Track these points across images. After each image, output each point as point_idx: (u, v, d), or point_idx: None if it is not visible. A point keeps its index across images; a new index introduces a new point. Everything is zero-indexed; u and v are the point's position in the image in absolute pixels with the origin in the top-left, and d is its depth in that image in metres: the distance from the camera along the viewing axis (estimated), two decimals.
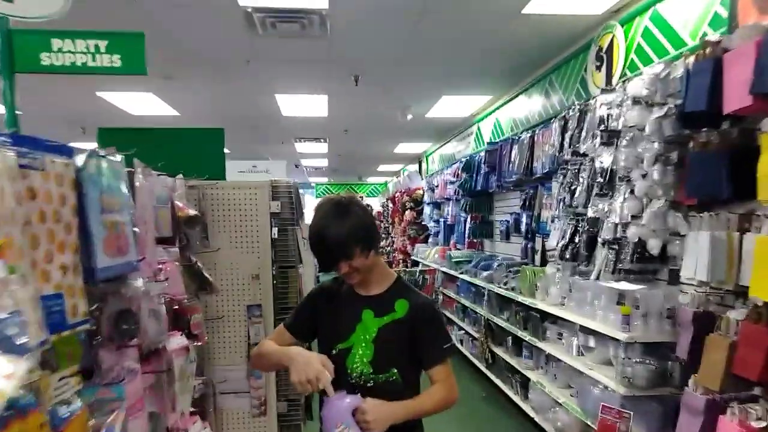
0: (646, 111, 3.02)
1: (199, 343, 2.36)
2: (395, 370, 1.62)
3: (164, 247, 2.00)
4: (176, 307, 2.06)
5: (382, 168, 14.17)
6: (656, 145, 2.95)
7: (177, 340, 1.97)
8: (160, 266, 1.93)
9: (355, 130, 8.48)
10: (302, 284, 2.96)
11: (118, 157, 1.41)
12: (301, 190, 3.46)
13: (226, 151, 9.79)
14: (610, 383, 3.11)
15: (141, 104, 6.27)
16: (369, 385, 1.61)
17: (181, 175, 2.31)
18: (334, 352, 1.65)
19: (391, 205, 13.14)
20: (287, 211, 2.94)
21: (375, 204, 17.21)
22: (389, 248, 13.39)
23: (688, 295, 2.79)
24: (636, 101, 3.09)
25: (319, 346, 1.78)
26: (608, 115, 3.37)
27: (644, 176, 3.05)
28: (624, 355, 3.02)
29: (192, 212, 2.35)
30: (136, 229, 1.55)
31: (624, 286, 3.13)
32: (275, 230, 2.86)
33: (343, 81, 5.48)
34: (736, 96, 2.41)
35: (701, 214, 2.70)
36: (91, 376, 1.32)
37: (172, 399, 1.82)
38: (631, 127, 3.15)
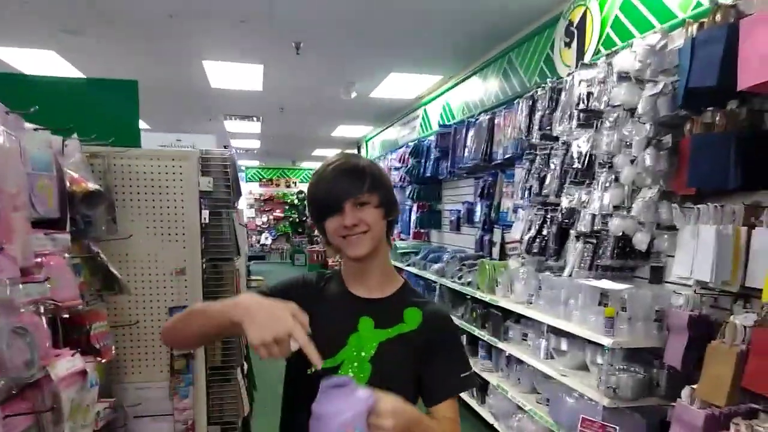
0: (636, 88, 2.69)
1: (103, 360, 1.78)
2: None
3: (46, 233, 1.42)
4: (65, 315, 1.48)
5: (317, 152, 13.54)
6: (648, 126, 2.62)
7: (66, 363, 1.39)
8: (39, 260, 1.34)
9: (292, 109, 7.86)
10: (240, 281, 2.40)
11: None
12: None
13: (145, 126, 8.92)
14: (589, 392, 2.79)
15: (40, 64, 5.37)
16: None
17: (75, 136, 1.70)
18: (311, 371, 1.12)
19: None
20: (221, 190, 2.35)
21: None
22: None
23: (681, 297, 2.49)
24: (623, 77, 2.76)
25: (287, 365, 1.27)
26: (588, 94, 3.02)
27: (632, 162, 2.72)
28: (607, 361, 2.70)
29: (92, 186, 1.75)
30: None
31: (607, 284, 2.80)
32: (206, 213, 2.28)
33: (283, 48, 4.89)
34: (755, 70, 2.09)
35: (699, 206, 2.40)
36: None
37: None
38: (615, 106, 2.82)
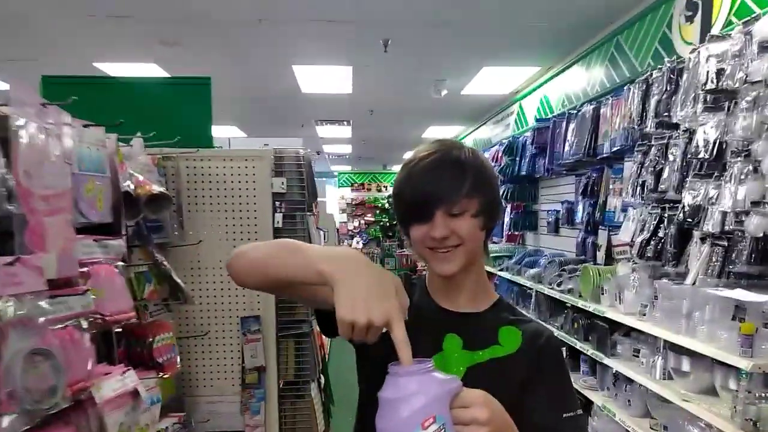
0: None
1: (166, 375, 1.67)
2: None
3: (96, 239, 1.30)
4: (118, 329, 1.36)
5: (408, 155, 13.39)
6: None
7: (115, 384, 1.27)
8: (85, 269, 1.23)
9: (382, 111, 7.75)
10: None
11: None
12: (322, 179, 2.74)
13: (240, 134, 9.23)
14: (719, 423, 2.35)
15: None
16: None
17: (139, 135, 1.60)
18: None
19: None
20: (296, 192, 2.20)
21: None
22: None
23: None
24: (767, 47, 2.30)
25: (360, 348, 1.05)
26: (719, 71, 2.56)
27: None
28: (744, 388, 2.26)
29: (157, 189, 1.64)
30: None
31: (743, 295, 2.35)
32: (279, 217, 2.14)
33: (371, 47, 4.74)
34: None
35: None
36: None
37: None
38: (755, 83, 2.36)
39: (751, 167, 2.40)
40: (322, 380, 2.44)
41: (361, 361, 1.09)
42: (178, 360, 1.73)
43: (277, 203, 2.16)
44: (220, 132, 7.67)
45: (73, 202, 1.20)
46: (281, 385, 2.10)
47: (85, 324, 1.15)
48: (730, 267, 2.52)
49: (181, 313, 1.94)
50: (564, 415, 0.97)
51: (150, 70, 5.40)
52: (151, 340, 1.60)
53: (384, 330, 0.78)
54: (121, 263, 1.38)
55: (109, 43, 4.76)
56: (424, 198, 0.96)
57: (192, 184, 2.04)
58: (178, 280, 1.73)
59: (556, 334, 3.70)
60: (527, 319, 1.08)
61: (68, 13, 4.06)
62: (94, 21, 4.18)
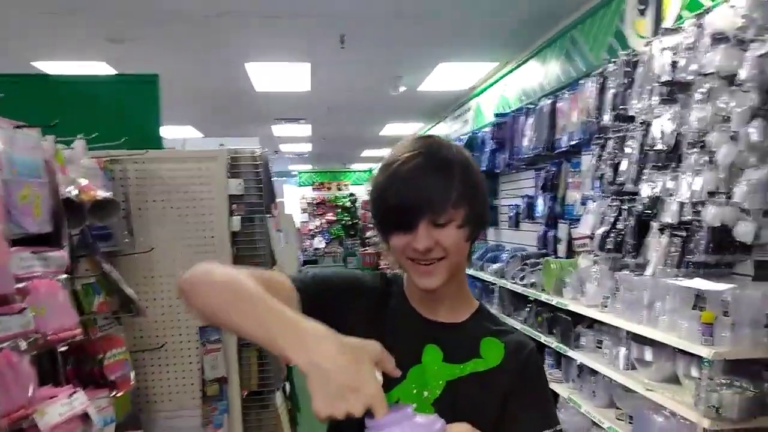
0: (737, 50, 2.27)
1: (119, 393, 1.56)
2: None
3: (35, 251, 1.19)
4: (62, 349, 1.26)
5: (366, 153, 13.34)
6: (753, 95, 2.20)
7: (61, 408, 1.17)
8: (23, 284, 1.12)
9: (340, 108, 7.66)
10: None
11: None
12: (282, 178, 2.64)
13: (198, 134, 8.97)
14: (683, 411, 2.38)
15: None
16: None
17: (81, 136, 1.49)
18: None
19: None
20: (253, 193, 2.11)
21: (361, 192, 16.45)
22: (376, 238, 12.66)
23: None
24: (719, 39, 2.34)
25: None
26: (673, 63, 2.60)
27: (732, 138, 2.30)
28: (706, 375, 2.29)
29: (102, 194, 1.53)
30: None
31: (702, 284, 2.38)
32: (237, 220, 2.04)
33: (328, 43, 4.65)
34: None
35: None
36: None
37: None
38: (708, 74, 2.40)
39: (706, 158, 2.45)
40: (287, 387, 2.36)
41: None
42: (133, 376, 1.63)
43: (234, 206, 2.06)
44: (175, 133, 7.42)
45: (6, 211, 1.09)
46: (244, 396, 2.01)
47: (24, 345, 1.05)
48: (689, 257, 2.57)
49: (134, 325, 1.83)
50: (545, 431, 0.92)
51: (98, 68, 5.16)
52: (101, 356, 1.49)
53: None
54: (64, 276, 1.27)
55: (50, 40, 4.52)
56: (408, 206, 0.87)
57: (142, 187, 1.92)
58: (129, 291, 1.62)
59: (519, 328, 3.71)
60: (509, 330, 1.03)
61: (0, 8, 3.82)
62: (32, 17, 3.95)
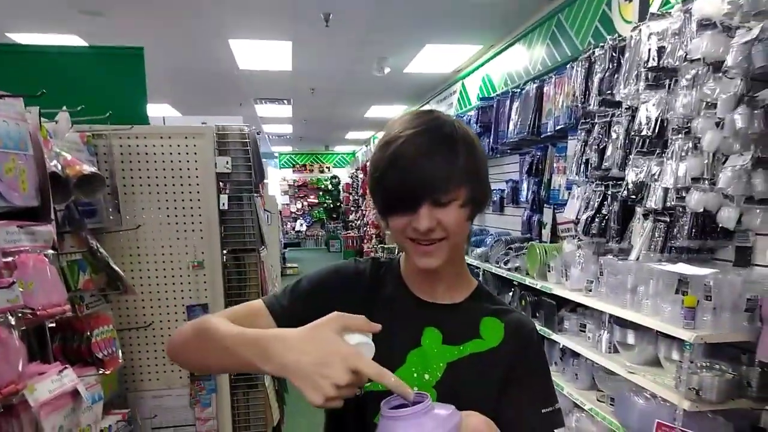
0: (723, 37, 2.28)
1: (107, 371, 1.53)
2: None
3: (21, 226, 1.16)
4: (51, 324, 1.23)
5: (350, 135, 13.25)
6: (738, 82, 2.22)
7: (51, 384, 1.14)
8: (10, 259, 1.09)
9: (323, 90, 7.57)
10: (266, 274, 2.13)
11: None
12: (264, 160, 2.58)
13: (176, 113, 8.81)
14: (663, 393, 2.43)
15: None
16: None
17: (64, 109, 1.44)
18: (359, 392, 0.83)
19: (361, 175, 12.33)
20: (242, 172, 2.08)
21: (343, 175, 16.38)
22: (359, 222, 12.65)
23: None
24: (705, 25, 2.35)
25: None
26: (660, 49, 2.61)
27: (717, 125, 2.32)
28: (687, 358, 2.34)
29: (88, 169, 1.49)
30: None
31: (685, 269, 2.42)
32: (224, 198, 2.01)
33: (311, 21, 4.58)
34: None
35: None
36: None
37: None
38: (694, 61, 2.41)
39: (691, 144, 2.47)
40: None
41: None
42: (120, 354, 1.60)
43: (222, 184, 2.03)
44: (152, 110, 7.26)
45: None
46: (232, 377, 2.00)
47: (12, 320, 1.03)
48: (672, 242, 2.60)
49: (121, 303, 1.80)
50: (543, 411, 0.93)
51: (70, 42, 4.99)
52: (89, 334, 1.46)
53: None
54: (51, 251, 1.24)
55: (20, 11, 4.35)
56: (411, 188, 0.85)
57: (127, 164, 1.87)
58: (117, 268, 1.59)
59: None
60: (509, 309, 1.03)
61: None
62: None
